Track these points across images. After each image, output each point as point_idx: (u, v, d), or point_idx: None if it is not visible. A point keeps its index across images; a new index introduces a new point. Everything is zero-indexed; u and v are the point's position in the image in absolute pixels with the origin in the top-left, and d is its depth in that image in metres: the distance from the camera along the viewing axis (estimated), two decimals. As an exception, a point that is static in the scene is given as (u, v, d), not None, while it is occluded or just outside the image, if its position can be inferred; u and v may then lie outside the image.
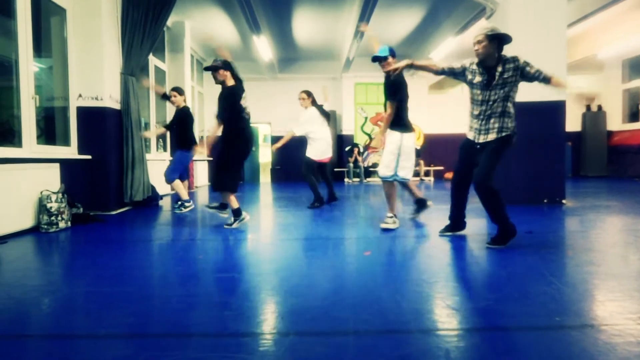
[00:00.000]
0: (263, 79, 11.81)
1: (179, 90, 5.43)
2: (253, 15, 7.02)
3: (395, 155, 4.00)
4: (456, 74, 3.33)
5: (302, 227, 4.23)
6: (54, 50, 5.15)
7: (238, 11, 7.25)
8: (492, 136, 3.10)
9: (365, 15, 7.06)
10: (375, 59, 4.08)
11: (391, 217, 4.02)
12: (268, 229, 4.10)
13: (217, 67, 3.96)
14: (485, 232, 3.87)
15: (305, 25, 9.07)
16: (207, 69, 4.01)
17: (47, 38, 5.09)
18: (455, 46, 9.66)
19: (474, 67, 3.19)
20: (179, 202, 5.32)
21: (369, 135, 12.25)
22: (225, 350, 1.55)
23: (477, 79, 3.15)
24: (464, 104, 13.36)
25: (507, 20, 5.64)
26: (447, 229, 3.63)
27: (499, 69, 3.05)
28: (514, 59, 3.04)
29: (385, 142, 4.05)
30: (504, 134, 3.08)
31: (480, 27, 3.09)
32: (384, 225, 3.97)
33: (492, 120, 3.10)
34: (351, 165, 11.64)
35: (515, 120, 3.12)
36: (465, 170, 3.30)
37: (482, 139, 3.15)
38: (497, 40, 3.03)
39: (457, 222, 3.58)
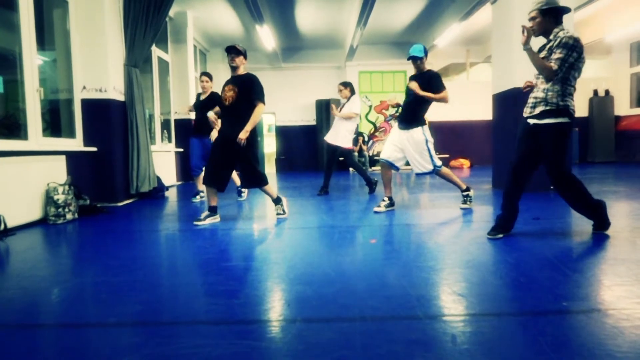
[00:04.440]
0: (266, 69, 11.76)
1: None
2: (256, 4, 6.96)
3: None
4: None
5: (307, 215, 4.24)
6: (57, 42, 5.15)
7: (240, 0, 7.20)
8: None
9: (368, 2, 6.98)
10: (415, 58, 4.19)
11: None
12: (274, 218, 4.11)
13: (242, 52, 3.86)
14: (491, 218, 3.86)
15: (309, 14, 9.00)
16: (232, 49, 3.81)
17: (50, 31, 5.09)
18: (460, 32, 9.56)
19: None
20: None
21: (373, 123, 12.20)
22: (233, 337, 1.57)
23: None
24: (469, 91, 13.20)
25: (512, 5, 5.56)
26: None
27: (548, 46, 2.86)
28: (557, 36, 2.79)
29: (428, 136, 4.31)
30: None
31: (533, 1, 2.86)
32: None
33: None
34: (356, 154, 11.61)
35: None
36: (523, 165, 3.04)
37: None
38: (553, 13, 2.82)
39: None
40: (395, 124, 4.48)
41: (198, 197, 5.63)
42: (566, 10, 2.87)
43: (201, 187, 5.65)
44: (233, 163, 3.95)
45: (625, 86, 11.31)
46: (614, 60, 11.52)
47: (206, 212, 3.91)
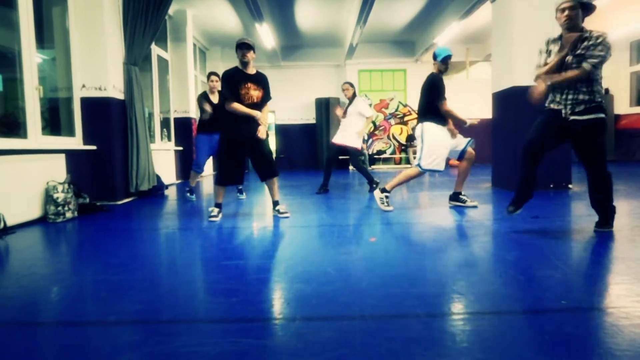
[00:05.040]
0: (266, 67, 11.75)
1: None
2: (255, 3, 6.95)
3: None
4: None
5: (307, 214, 4.24)
6: (57, 40, 5.14)
7: (240, -2, 7.20)
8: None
9: (368, 0, 6.97)
10: (450, 57, 4.24)
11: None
12: (272, 217, 4.11)
13: (252, 47, 3.86)
14: (491, 217, 3.86)
15: (308, 12, 8.99)
16: (245, 45, 3.80)
17: (49, 29, 5.08)
18: (460, 31, 9.55)
19: (552, 44, 3.00)
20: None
21: (373, 122, 12.19)
22: (233, 336, 1.57)
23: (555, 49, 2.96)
24: (468, 90, 13.18)
25: (512, 3, 5.55)
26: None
27: (582, 43, 2.89)
28: (593, 35, 2.86)
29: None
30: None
31: None
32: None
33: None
34: (356, 152, 11.60)
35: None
36: (543, 143, 3.05)
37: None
38: (585, 9, 2.87)
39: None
40: (436, 126, 4.25)
41: (193, 196, 5.60)
42: (593, 10, 2.93)
43: (194, 184, 5.59)
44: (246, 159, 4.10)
45: (624, 85, 11.30)
46: (614, 59, 11.46)
47: (217, 209, 4.05)
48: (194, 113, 8.79)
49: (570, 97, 2.95)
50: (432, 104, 4.25)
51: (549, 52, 3.03)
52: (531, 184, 3.11)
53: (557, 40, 3.02)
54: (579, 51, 2.89)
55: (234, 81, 3.86)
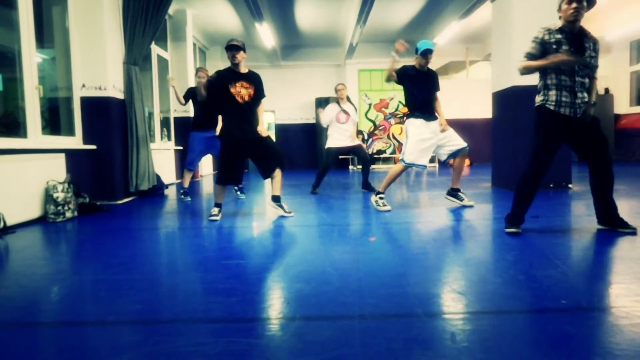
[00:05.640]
0: (266, 67, 11.74)
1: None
2: (255, 2, 6.95)
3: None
4: (543, 53, 2.98)
5: (306, 213, 4.24)
6: (56, 40, 5.14)
7: (240, -2, 7.19)
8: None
9: (368, 0, 6.97)
10: (431, 52, 4.22)
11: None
12: (272, 216, 4.11)
13: (242, 48, 3.88)
14: (491, 217, 3.87)
15: (308, 12, 8.98)
16: (234, 47, 3.81)
17: (49, 28, 5.08)
18: (460, 30, 9.55)
19: (556, 34, 2.93)
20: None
21: (373, 122, 12.19)
22: (232, 335, 1.57)
23: (565, 46, 2.89)
24: (468, 90, 13.17)
25: (512, 3, 5.55)
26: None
27: (587, 41, 2.91)
28: (594, 39, 2.97)
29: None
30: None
31: None
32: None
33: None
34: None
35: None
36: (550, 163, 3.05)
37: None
38: (588, 3, 2.87)
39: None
40: (418, 121, 4.23)
41: (188, 197, 5.58)
42: (594, 5, 2.97)
43: (187, 184, 5.57)
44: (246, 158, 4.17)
45: (624, 85, 11.29)
46: (614, 58, 11.50)
47: (217, 209, 4.08)
48: (193, 113, 8.77)
49: (575, 100, 2.94)
50: (412, 99, 4.29)
51: (556, 43, 2.90)
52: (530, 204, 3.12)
53: (559, 32, 2.93)
54: (588, 52, 2.92)
55: (223, 83, 3.88)
